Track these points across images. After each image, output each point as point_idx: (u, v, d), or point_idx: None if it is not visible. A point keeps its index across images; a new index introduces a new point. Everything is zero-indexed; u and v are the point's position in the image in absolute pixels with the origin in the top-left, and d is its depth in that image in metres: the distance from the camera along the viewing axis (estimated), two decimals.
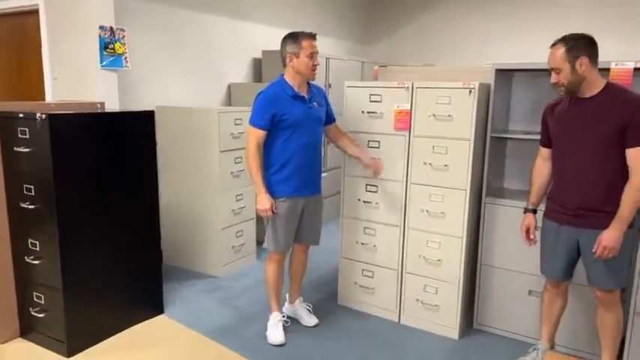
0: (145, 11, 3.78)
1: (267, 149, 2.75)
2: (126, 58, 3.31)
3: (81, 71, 3.30)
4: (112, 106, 3.26)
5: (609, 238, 2.17)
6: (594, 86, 2.21)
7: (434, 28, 6.39)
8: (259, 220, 4.18)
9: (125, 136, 2.85)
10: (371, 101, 3.03)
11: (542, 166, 2.48)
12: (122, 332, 2.92)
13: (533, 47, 5.42)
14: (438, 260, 2.94)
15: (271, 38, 5.04)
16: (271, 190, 2.72)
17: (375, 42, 6.88)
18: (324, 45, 5.96)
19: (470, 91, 2.72)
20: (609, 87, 2.22)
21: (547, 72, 2.37)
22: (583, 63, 2.16)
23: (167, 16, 3.98)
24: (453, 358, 2.75)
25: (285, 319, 2.97)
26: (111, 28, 3.20)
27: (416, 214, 2.98)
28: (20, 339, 2.84)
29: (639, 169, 2.12)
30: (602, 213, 2.22)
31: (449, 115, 2.79)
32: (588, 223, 2.27)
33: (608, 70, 2.50)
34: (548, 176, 2.47)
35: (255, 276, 3.80)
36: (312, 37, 2.71)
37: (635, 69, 2.47)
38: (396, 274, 3.10)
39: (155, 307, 3.14)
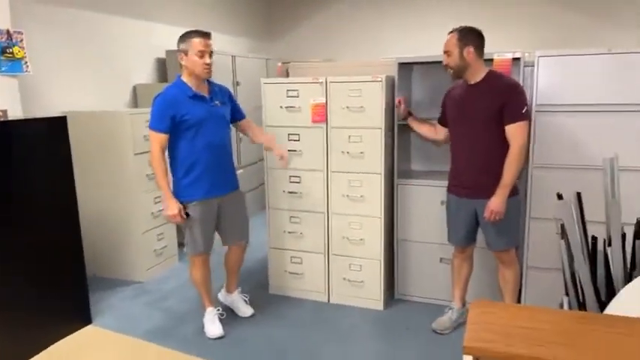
0: (43, 13, 3.58)
1: (172, 153, 2.72)
2: (26, 62, 3.13)
3: None
4: (15, 113, 3.07)
5: (495, 203, 2.53)
6: (478, 74, 2.58)
7: (331, 24, 6.68)
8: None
9: (36, 145, 2.73)
10: (288, 96, 3.19)
11: (434, 132, 2.96)
12: (49, 348, 2.80)
13: (422, 42, 5.95)
14: (361, 240, 3.19)
15: (175, 38, 4.97)
16: (182, 194, 2.71)
17: (276, 39, 7.03)
18: (229, 43, 6.01)
19: (379, 84, 2.98)
20: (490, 74, 2.59)
21: (441, 63, 2.71)
22: (470, 52, 2.53)
23: (67, 17, 3.79)
24: (380, 327, 3.02)
25: (220, 312, 3.04)
26: (8, 32, 3.01)
27: (338, 199, 3.20)
28: None
29: (516, 141, 2.48)
30: (492, 184, 2.56)
31: (361, 107, 3.04)
32: (482, 193, 2.61)
33: (492, 60, 2.90)
34: (432, 136, 2.99)
35: (179, 277, 3.80)
36: (202, 35, 2.66)
37: (513, 59, 2.88)
38: (323, 257, 3.31)
39: (83, 319, 3.04)
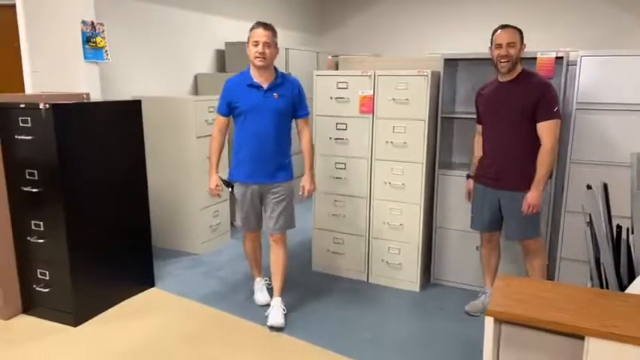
0: (121, 6, 3.97)
1: (233, 135, 2.96)
2: (106, 51, 3.51)
3: (62, 64, 3.47)
4: (95, 96, 3.46)
5: (533, 197, 2.67)
6: (516, 71, 2.73)
7: (378, 21, 6.86)
8: (232, 201, 4.52)
9: (116, 124, 3.10)
10: (338, 88, 3.43)
11: (478, 140, 3.00)
12: (121, 303, 3.19)
13: (464, 39, 6.05)
14: (400, 225, 3.40)
15: (234, 30, 5.31)
16: (231, 172, 2.97)
17: (327, 34, 7.27)
18: (283, 36, 6.28)
19: (424, 78, 3.17)
20: (524, 73, 2.74)
21: (485, 61, 2.86)
22: (524, 48, 2.72)
23: (141, 10, 4.18)
24: (415, 307, 3.23)
25: (267, 282, 3.33)
26: (92, 23, 3.40)
27: (380, 186, 3.42)
28: (23, 315, 3.04)
29: (548, 137, 2.62)
30: (516, 177, 2.73)
31: (406, 99, 3.24)
32: (505, 185, 2.78)
33: (535, 58, 3.04)
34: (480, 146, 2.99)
35: (231, 251, 4.14)
36: (259, 25, 2.77)
37: (556, 58, 3.01)
38: (364, 240, 3.54)
39: (147, 282, 3.42)
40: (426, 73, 3.17)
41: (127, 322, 2.98)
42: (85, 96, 3.32)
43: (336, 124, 3.47)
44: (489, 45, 2.76)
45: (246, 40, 2.82)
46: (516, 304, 1.61)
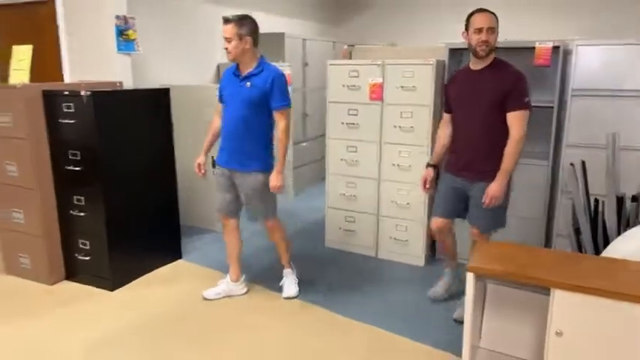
0: (150, 1, 4.28)
1: None
2: (137, 43, 3.83)
3: (97, 55, 3.80)
4: (127, 84, 3.78)
5: (494, 188, 2.57)
6: (491, 58, 2.64)
7: (396, 9, 7.04)
8: None
9: (147, 110, 3.41)
10: (350, 76, 3.68)
11: (445, 129, 2.92)
12: (152, 272, 3.53)
13: None
14: (407, 204, 3.66)
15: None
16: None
17: (343, 24, 7.49)
18: (300, 27, 6.55)
19: (430, 67, 3.41)
20: (497, 61, 2.65)
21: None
22: (498, 33, 2.62)
23: (167, 4, 4.48)
24: (420, 279, 3.49)
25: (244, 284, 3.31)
26: (124, 17, 3.71)
27: (388, 167, 3.68)
28: (66, 281, 3.40)
29: (517, 127, 2.54)
30: (487, 167, 2.62)
31: (413, 87, 3.48)
32: (476, 176, 2.68)
33: (533, 48, 3.24)
34: (449, 137, 2.89)
35: (249, 229, 4.42)
36: (223, 20, 2.80)
37: (554, 47, 3.21)
38: (374, 218, 3.81)
39: (175, 254, 3.76)
40: (431, 62, 3.40)
41: (157, 287, 3.33)
42: (118, 84, 3.64)
43: (348, 110, 3.74)
44: (464, 30, 2.68)
45: (260, 31, 2.90)
46: (495, 262, 1.87)
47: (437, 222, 2.92)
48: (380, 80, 3.57)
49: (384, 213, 3.77)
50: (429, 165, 2.98)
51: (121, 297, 3.20)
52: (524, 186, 3.40)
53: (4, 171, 3.27)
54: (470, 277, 1.88)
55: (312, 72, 5.67)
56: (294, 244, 4.04)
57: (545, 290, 1.79)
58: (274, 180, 2.91)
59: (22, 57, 3.41)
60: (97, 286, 3.29)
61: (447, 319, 2.92)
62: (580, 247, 2.27)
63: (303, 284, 3.34)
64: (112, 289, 3.25)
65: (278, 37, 5.25)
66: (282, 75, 2.89)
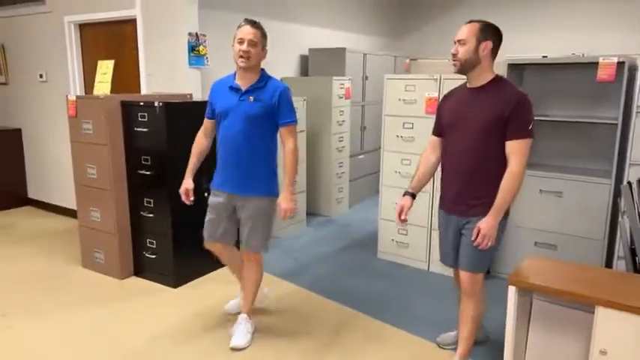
0: (218, 18, 4.58)
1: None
2: (207, 58, 4.11)
3: (171, 69, 4.11)
4: (197, 96, 4.06)
5: (487, 226, 2.17)
6: (484, 76, 2.25)
7: (457, 24, 7.00)
8: (309, 191, 4.98)
9: None
10: (406, 90, 3.75)
11: (430, 154, 2.55)
12: (211, 273, 3.74)
13: (548, 41, 6.05)
14: None
15: (316, 37, 5.79)
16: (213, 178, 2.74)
17: (405, 38, 7.55)
18: (363, 42, 6.68)
19: None
20: (497, 79, 2.27)
21: (552, 66, 3.01)
22: (487, 47, 2.21)
23: (235, 21, 4.75)
24: None
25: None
26: (196, 34, 4.00)
27: None
28: (134, 277, 3.69)
29: (518, 158, 2.15)
30: (481, 201, 2.24)
31: None
32: (466, 211, 2.30)
33: (597, 63, 3.16)
34: (434, 165, 2.53)
35: (306, 237, 4.60)
36: (246, 22, 2.58)
37: (618, 62, 3.11)
38: (426, 231, 3.83)
39: None
40: None
41: (216, 287, 3.53)
42: (188, 96, 3.93)
43: (403, 123, 3.80)
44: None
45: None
46: (536, 277, 1.87)
47: (455, 272, 2.55)
48: (436, 95, 3.61)
49: (436, 226, 3.76)
50: (406, 193, 2.53)
51: (182, 293, 3.43)
52: (583, 205, 3.31)
53: (86, 173, 3.61)
54: (511, 291, 1.88)
55: (372, 86, 5.77)
56: (347, 255, 4.15)
57: (591, 308, 1.77)
58: (285, 202, 2.59)
59: (105, 70, 3.77)
60: (162, 283, 3.54)
61: (491, 332, 2.89)
62: (635, 268, 2.19)
63: (357, 293, 3.42)
64: (174, 286, 3.49)
65: (339, 52, 5.41)
66: (288, 89, 2.65)
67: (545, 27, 6.25)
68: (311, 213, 5.15)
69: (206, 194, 2.80)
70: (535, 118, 3.49)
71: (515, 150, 2.17)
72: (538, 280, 1.83)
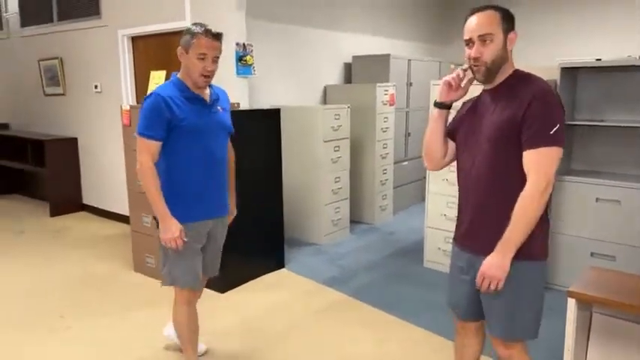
0: (265, 29, 4.66)
1: (165, 163, 2.22)
2: (254, 67, 4.18)
3: (219, 78, 4.19)
4: (244, 105, 4.14)
5: (490, 264, 1.67)
6: (505, 72, 1.75)
7: None
8: (352, 198, 4.97)
9: (260, 128, 3.72)
10: None
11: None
12: (257, 279, 3.79)
13: (600, 45, 5.83)
14: None
15: (360, 45, 5.79)
16: (177, 214, 2.21)
17: (449, 43, 7.44)
18: (406, 48, 6.64)
19: None
20: (515, 74, 1.75)
21: (607, 69, 2.88)
22: (513, 39, 1.73)
23: (280, 31, 4.84)
24: None
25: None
26: (243, 44, 4.08)
27: None
28: None
29: (537, 174, 1.62)
30: (497, 232, 1.68)
31: None
32: (482, 248, 1.74)
33: None
34: (441, 148, 1.95)
35: (350, 244, 4.60)
36: (207, 34, 2.15)
37: None
38: None
39: (279, 263, 4.00)
40: None
41: (262, 292, 3.57)
42: (236, 105, 4.00)
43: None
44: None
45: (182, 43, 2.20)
46: (597, 289, 1.79)
47: (459, 326, 2.04)
48: None
49: None
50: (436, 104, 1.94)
51: (229, 298, 3.49)
52: None
53: (136, 180, 3.74)
54: (571, 304, 1.81)
55: (416, 92, 5.72)
56: (392, 263, 4.11)
57: None
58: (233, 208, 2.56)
59: (157, 80, 3.90)
60: (209, 288, 3.59)
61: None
62: None
63: (403, 302, 3.37)
64: (222, 292, 3.55)
65: (383, 59, 5.39)
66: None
67: (598, 30, 6.03)
68: (354, 220, 5.14)
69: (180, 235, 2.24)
70: (591, 123, 3.44)
71: (533, 162, 1.63)
72: (598, 293, 1.76)
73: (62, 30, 5.63)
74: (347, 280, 3.80)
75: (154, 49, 4.83)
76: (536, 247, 1.70)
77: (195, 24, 2.22)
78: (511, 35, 1.72)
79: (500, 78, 1.74)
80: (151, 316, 3.22)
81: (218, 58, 2.23)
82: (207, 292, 3.56)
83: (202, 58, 2.15)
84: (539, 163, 1.62)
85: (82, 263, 4.19)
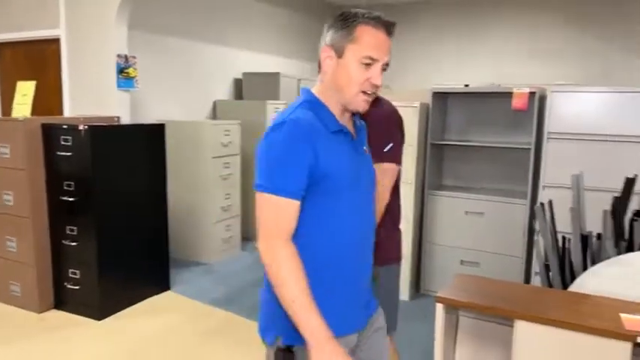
0: (150, 41, 4.50)
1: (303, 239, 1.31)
2: (137, 80, 4.01)
3: (97, 91, 3.98)
4: (125, 120, 3.94)
5: None
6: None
7: (393, 52, 7.32)
8: (244, 215, 4.92)
9: (142, 145, 3.56)
10: None
11: None
12: (140, 302, 3.58)
13: (473, 72, 6.46)
14: None
15: (250, 61, 5.83)
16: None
17: None
18: (295, 67, 6.79)
19: (414, 109, 3.57)
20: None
21: (473, 95, 3.19)
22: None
23: (167, 44, 4.70)
24: (405, 315, 3.52)
25: None
26: (125, 56, 3.90)
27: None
28: (54, 310, 3.46)
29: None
30: (387, 246, 1.93)
31: None
32: (380, 260, 1.74)
33: (511, 93, 3.42)
34: None
35: (241, 262, 4.53)
36: (388, 27, 1.34)
37: (530, 93, 3.38)
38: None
39: (164, 285, 3.82)
40: (415, 105, 3.57)
41: (145, 318, 3.38)
42: (116, 119, 3.80)
43: None
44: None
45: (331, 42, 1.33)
46: (463, 294, 1.96)
47: None
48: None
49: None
50: None
51: (107, 326, 3.25)
52: (504, 225, 3.52)
53: (1, 200, 3.38)
54: (439, 308, 1.96)
55: None
56: None
57: (512, 322, 1.88)
58: None
59: (25, 92, 3.58)
60: (85, 315, 3.34)
61: (428, 351, 2.97)
62: (549, 283, 2.36)
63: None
64: (99, 319, 3.30)
65: (273, 77, 5.48)
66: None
67: (471, 59, 6.69)
68: (247, 238, 5.09)
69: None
70: (459, 143, 3.80)
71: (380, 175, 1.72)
72: (463, 298, 1.92)
73: None
74: (236, 299, 3.74)
75: (24, 58, 4.43)
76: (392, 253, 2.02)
77: (355, 9, 1.33)
78: None
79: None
80: (18, 352, 2.90)
81: (388, 66, 1.38)
82: (81, 320, 3.32)
83: (369, 64, 1.31)
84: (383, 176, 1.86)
85: None
